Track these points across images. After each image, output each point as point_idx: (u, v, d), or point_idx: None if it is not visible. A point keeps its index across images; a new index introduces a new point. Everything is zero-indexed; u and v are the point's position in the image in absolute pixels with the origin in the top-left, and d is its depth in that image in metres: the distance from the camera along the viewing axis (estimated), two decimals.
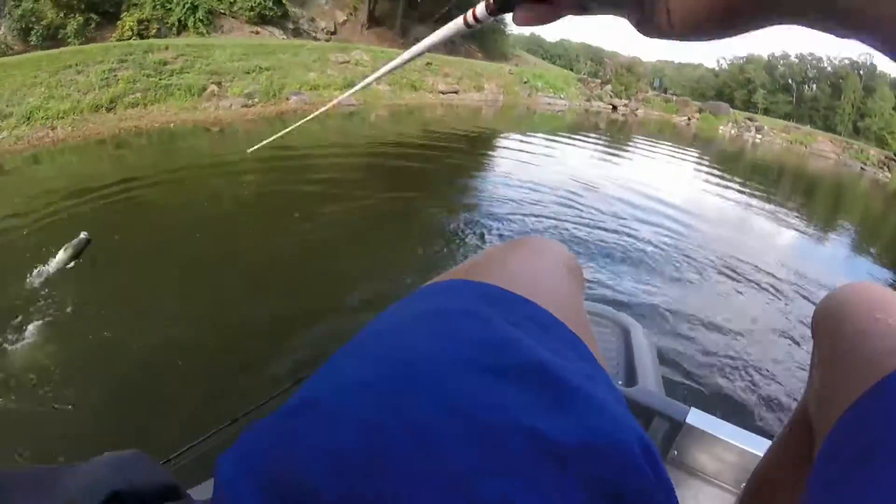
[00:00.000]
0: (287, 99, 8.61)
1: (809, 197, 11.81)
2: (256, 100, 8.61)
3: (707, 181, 9.66)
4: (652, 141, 14.31)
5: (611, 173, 8.02)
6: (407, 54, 0.47)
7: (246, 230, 4.02)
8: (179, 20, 14.64)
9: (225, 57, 10.08)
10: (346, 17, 18.27)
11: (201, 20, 15.09)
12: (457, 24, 0.45)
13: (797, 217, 7.87)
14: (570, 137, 10.66)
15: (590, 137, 11.92)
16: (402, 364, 0.29)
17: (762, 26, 0.21)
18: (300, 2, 18.10)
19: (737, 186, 9.41)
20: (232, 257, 3.46)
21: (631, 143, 13.11)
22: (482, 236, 4.18)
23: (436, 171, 6.04)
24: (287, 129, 0.67)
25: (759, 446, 1.07)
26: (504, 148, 8.67)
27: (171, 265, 3.33)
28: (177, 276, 3.22)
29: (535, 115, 14.25)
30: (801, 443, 0.56)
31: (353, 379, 0.29)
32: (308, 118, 0.67)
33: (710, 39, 0.23)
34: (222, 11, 15.93)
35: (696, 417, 1.13)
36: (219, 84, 9.05)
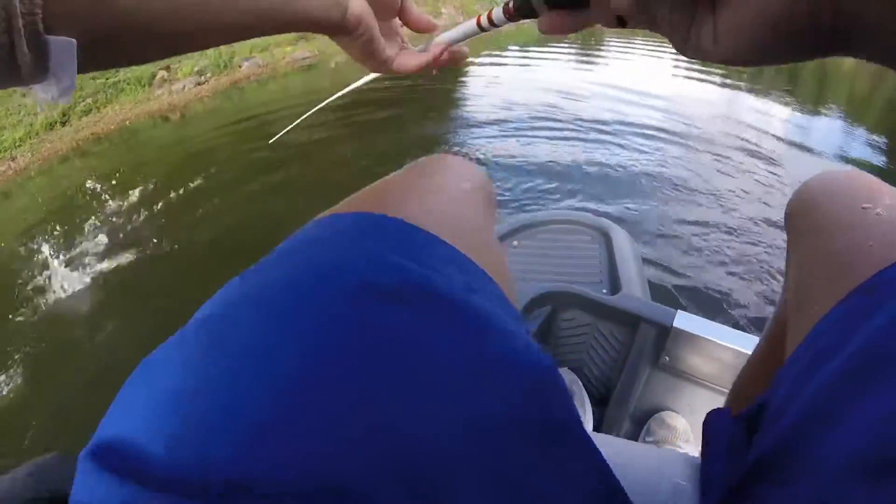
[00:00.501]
0: (240, 66, 8.25)
1: (793, 82, 11.44)
2: (209, 75, 8.26)
3: (687, 75, 9.39)
4: (626, 40, 13.81)
5: (584, 78, 7.77)
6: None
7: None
8: None
9: None
10: None
11: None
12: (468, 26, 0.47)
13: (783, 103, 7.67)
14: (538, 50, 10.30)
15: (560, 46, 11.57)
16: (286, 291, 0.27)
17: (818, 57, 0.21)
18: None
19: (717, 77, 9.21)
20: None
21: (602, 47, 12.71)
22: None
23: (410, 111, 5.80)
24: (313, 110, 0.63)
25: (748, 344, 1.04)
26: (473, 74, 8.43)
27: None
28: None
29: (501, 34, 13.70)
30: (779, 346, 0.49)
31: (242, 297, 0.28)
32: (337, 95, 0.62)
33: (757, 66, 0.23)
34: None
35: (683, 320, 1.11)
36: (167, 68, 8.65)
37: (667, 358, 1.13)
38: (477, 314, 0.29)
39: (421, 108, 5.89)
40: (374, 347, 0.25)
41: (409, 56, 0.50)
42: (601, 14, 0.28)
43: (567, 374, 1.17)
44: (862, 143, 5.97)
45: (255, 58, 8.40)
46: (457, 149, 4.39)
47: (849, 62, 17.37)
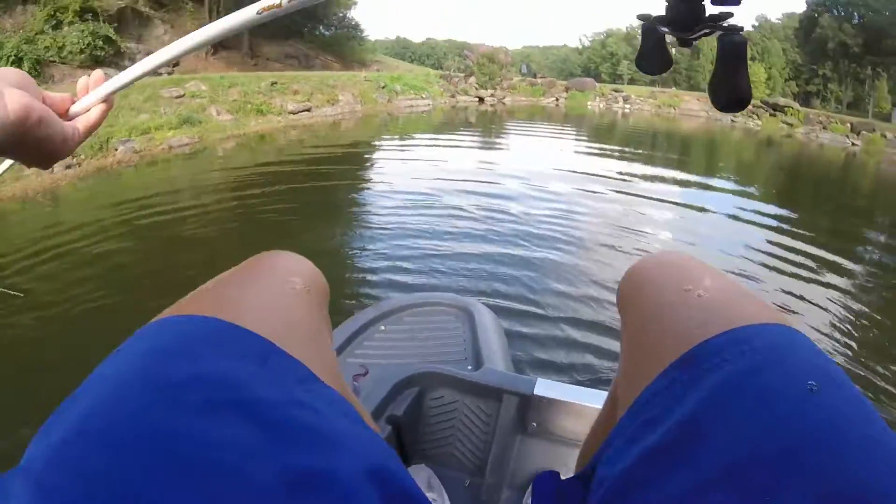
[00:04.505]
0: (115, 150, 7.99)
1: (685, 154, 12.68)
2: (83, 156, 7.92)
3: (578, 156, 10.12)
4: (523, 126, 14.76)
5: (478, 164, 8.17)
6: (186, 41, 0.48)
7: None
8: None
9: None
10: None
11: (29, 73, 13.83)
12: (247, 13, 0.48)
13: (675, 175, 8.42)
14: (434, 137, 10.73)
15: (458, 133, 12.10)
16: (116, 411, 0.29)
17: None
18: (136, 36, 17.08)
19: (611, 156, 10.00)
20: None
21: (502, 133, 13.50)
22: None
23: (297, 206, 5.69)
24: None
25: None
26: (367, 162, 8.59)
27: None
28: None
29: (399, 121, 14.19)
30: (613, 412, 0.54)
31: (72, 430, 0.29)
32: None
33: None
34: (52, 59, 14.69)
35: (543, 387, 1.18)
36: None
37: (534, 424, 1.18)
38: (295, 425, 0.30)
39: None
40: (180, 462, 0.26)
41: (83, 116, 0.50)
42: None
43: (422, 471, 1.16)
44: (751, 204, 6.79)
45: (132, 141, 8.20)
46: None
47: (736, 134, 19.58)
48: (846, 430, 0.31)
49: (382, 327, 1.58)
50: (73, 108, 0.50)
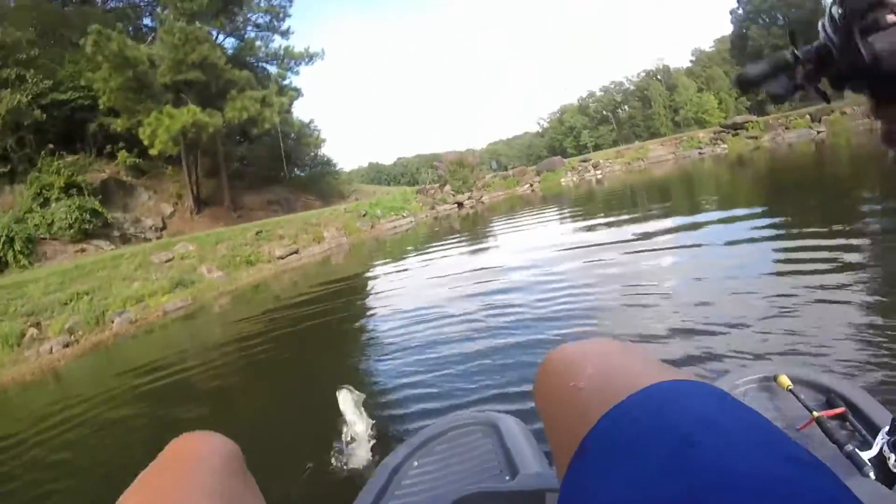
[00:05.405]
0: (111, 322, 8.06)
1: (664, 199, 12.96)
2: (80, 332, 8.00)
3: (564, 234, 10.27)
4: (506, 219, 15.16)
5: (472, 265, 8.21)
6: None
7: None
8: None
9: (40, 291, 9.37)
10: (172, 209, 18.11)
11: (21, 252, 14.19)
12: None
13: (661, 224, 8.51)
14: (423, 252, 10.86)
15: (449, 241, 12.29)
16: None
17: None
18: (122, 205, 17.73)
19: (596, 224, 10.17)
20: None
21: (488, 230, 13.79)
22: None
23: (299, 346, 5.66)
24: None
25: None
26: (363, 289, 8.61)
27: None
28: None
29: (386, 244, 14.52)
30: None
31: None
32: None
33: None
34: (42, 236, 15.15)
35: None
36: (38, 325, 8.35)
37: None
38: None
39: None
40: None
41: None
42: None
43: None
44: (743, 224, 6.91)
45: (127, 312, 8.29)
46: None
47: (708, 163, 20.04)
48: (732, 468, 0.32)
49: (416, 463, 1.59)
50: None
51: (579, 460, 0.40)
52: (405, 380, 4.04)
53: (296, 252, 12.76)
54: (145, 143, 17.13)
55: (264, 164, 23.12)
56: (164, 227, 17.00)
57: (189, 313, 8.75)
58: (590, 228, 10.20)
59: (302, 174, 25.08)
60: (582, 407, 0.44)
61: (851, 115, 21.13)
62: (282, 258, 12.27)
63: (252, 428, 3.60)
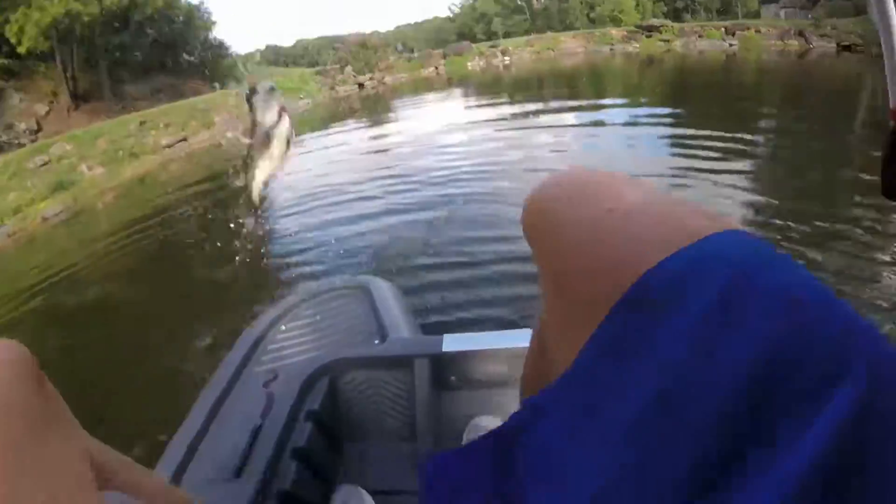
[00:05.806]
0: None
1: (572, 85, 13.18)
2: None
3: (467, 110, 10.31)
4: (409, 99, 15.02)
5: (370, 142, 8.35)
6: None
7: None
8: None
9: None
10: (47, 108, 16.64)
11: None
12: None
13: (567, 103, 8.87)
14: (322, 132, 10.65)
15: (344, 121, 12.18)
16: None
17: None
18: None
19: (501, 103, 10.24)
20: None
21: (389, 109, 13.77)
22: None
23: (191, 231, 5.72)
24: None
25: (522, 337, 1.12)
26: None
27: None
28: None
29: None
30: (543, 356, 0.48)
31: None
32: None
33: None
34: None
35: (452, 342, 1.21)
36: None
37: (452, 378, 1.21)
38: None
39: None
40: None
41: None
42: None
43: (353, 494, 1.08)
44: (644, 111, 7.35)
45: (4, 226, 7.97)
46: None
47: (618, 60, 20.64)
48: None
49: (283, 327, 1.53)
50: None
51: (638, 310, 0.30)
52: (289, 247, 4.24)
53: (184, 139, 12.36)
54: (13, 41, 15.57)
55: (149, 51, 21.26)
56: (39, 130, 15.71)
57: (71, 216, 8.49)
58: (492, 106, 10.30)
59: (191, 59, 23.28)
60: (631, 238, 0.33)
61: (766, 34, 21.31)
62: (168, 147, 11.84)
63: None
